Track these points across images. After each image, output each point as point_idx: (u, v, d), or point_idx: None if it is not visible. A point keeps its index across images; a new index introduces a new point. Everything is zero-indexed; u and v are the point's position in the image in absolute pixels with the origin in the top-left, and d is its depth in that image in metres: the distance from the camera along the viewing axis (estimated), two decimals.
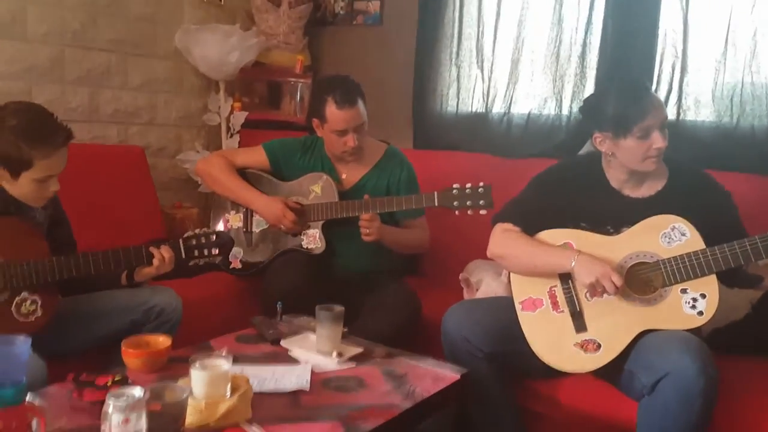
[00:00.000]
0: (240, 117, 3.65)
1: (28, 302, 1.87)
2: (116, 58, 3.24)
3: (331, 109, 2.46)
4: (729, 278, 1.93)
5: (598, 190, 2.07)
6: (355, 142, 2.49)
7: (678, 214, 1.91)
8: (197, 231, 2.14)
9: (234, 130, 3.67)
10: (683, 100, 2.72)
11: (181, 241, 2.09)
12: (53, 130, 1.84)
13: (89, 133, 3.12)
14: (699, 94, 2.73)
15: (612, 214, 2.02)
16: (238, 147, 3.56)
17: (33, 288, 1.88)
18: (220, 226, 2.72)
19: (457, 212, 2.32)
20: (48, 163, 1.84)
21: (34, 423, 1.36)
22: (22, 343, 1.32)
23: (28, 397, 1.37)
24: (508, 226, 2.12)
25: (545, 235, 2.07)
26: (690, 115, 2.75)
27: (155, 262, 2.03)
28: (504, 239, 2.11)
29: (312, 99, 2.97)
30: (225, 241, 2.15)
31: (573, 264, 1.94)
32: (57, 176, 1.90)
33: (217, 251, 2.13)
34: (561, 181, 2.13)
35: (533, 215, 2.11)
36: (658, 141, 1.92)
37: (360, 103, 2.48)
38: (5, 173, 1.84)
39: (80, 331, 2.03)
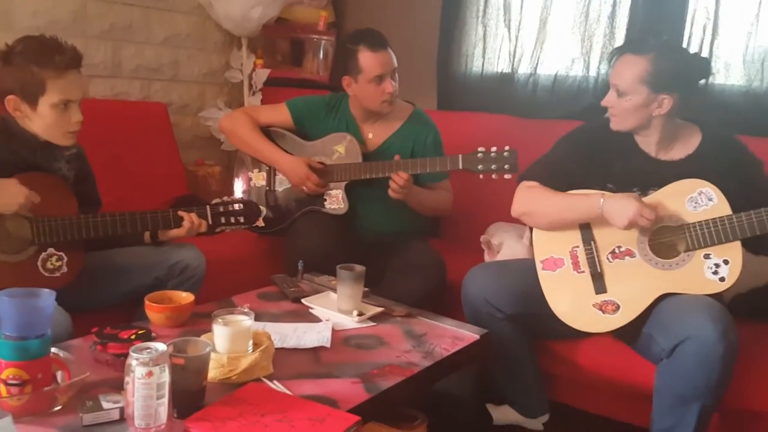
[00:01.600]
0: (262, 74, 3.62)
1: (54, 258, 1.90)
2: (138, 13, 3.21)
3: (365, 56, 2.41)
4: (756, 245, 1.90)
5: (627, 151, 2.04)
6: (394, 87, 2.44)
7: (708, 179, 1.89)
8: (225, 198, 2.14)
9: (256, 87, 3.64)
10: (713, 63, 2.65)
11: (208, 207, 2.10)
12: (59, 48, 1.87)
13: (112, 89, 3.11)
14: (729, 58, 2.67)
15: (640, 176, 1.99)
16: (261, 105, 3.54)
17: (60, 245, 1.90)
18: (243, 185, 2.73)
19: (481, 176, 2.29)
20: (61, 84, 1.85)
21: (58, 374, 1.39)
22: (47, 297, 1.33)
23: (53, 350, 1.39)
24: (533, 184, 2.10)
25: None
26: (719, 79, 2.69)
27: (186, 224, 2.04)
28: (528, 196, 2.09)
29: (340, 57, 2.91)
30: (252, 211, 2.14)
31: (602, 204, 1.92)
32: (78, 104, 1.91)
33: (242, 219, 2.14)
34: (591, 141, 2.09)
35: (560, 175, 2.08)
36: None
37: (390, 50, 2.45)
38: (26, 107, 1.86)
39: (105, 286, 2.05)
